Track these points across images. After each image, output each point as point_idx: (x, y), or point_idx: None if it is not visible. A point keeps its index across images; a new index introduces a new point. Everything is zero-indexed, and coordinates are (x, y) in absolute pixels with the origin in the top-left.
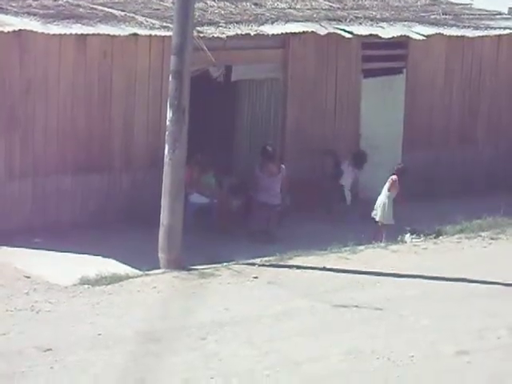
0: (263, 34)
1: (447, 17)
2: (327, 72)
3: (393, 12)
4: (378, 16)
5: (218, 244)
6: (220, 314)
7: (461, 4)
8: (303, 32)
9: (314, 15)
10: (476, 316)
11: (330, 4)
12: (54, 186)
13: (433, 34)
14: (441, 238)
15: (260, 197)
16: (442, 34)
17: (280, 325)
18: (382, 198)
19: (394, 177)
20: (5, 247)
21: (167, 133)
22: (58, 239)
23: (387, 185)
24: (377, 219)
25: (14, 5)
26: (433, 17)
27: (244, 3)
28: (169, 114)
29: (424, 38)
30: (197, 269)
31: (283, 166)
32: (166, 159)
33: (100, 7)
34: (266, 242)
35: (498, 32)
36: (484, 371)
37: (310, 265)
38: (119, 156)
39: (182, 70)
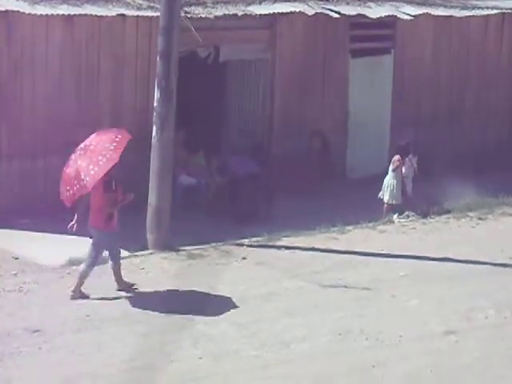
0: (251, 15)
1: None
2: (315, 52)
3: None
4: None
5: (206, 225)
6: (208, 294)
7: None
8: (291, 12)
9: None
10: (464, 296)
11: None
12: (41, 167)
13: (420, 14)
14: (429, 217)
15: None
16: (430, 14)
17: (268, 305)
18: (388, 179)
19: (397, 157)
20: None
21: (155, 114)
22: (45, 220)
23: (391, 165)
24: (385, 200)
25: None
26: None
27: None
28: (156, 95)
29: (412, 17)
30: (185, 250)
31: None
32: (154, 140)
33: None
34: (255, 222)
35: (485, 12)
36: (472, 351)
37: (298, 245)
38: None
39: (169, 51)
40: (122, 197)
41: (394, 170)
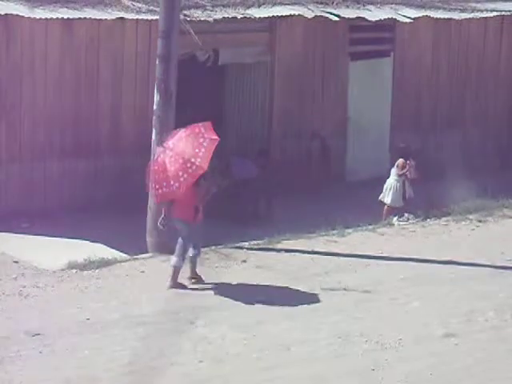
0: (250, 18)
1: None
2: (314, 55)
3: None
4: None
5: (206, 227)
6: (208, 297)
7: None
8: (290, 15)
9: None
10: (464, 298)
11: None
12: (41, 171)
13: (420, 17)
14: (428, 220)
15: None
16: (429, 17)
17: (269, 308)
18: (391, 181)
19: (401, 160)
20: None
21: (154, 117)
22: (45, 224)
23: (395, 168)
24: (386, 202)
25: None
26: None
27: None
28: (156, 98)
29: (411, 20)
30: None
31: None
32: (154, 143)
33: None
34: (255, 225)
35: (484, 14)
36: (472, 353)
37: (298, 248)
38: (106, 140)
39: (169, 54)
40: (207, 190)
41: (400, 175)
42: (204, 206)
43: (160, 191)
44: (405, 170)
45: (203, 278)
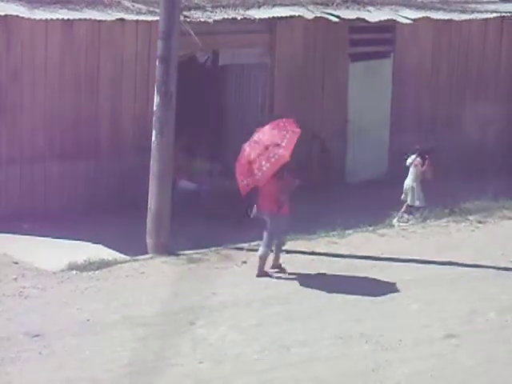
0: (250, 19)
1: (434, 0)
2: (314, 56)
3: None
4: (365, 0)
5: (207, 229)
6: (208, 298)
7: None
8: (290, 16)
9: None
10: (465, 299)
11: None
12: (41, 172)
13: (420, 18)
14: (428, 221)
15: None
16: (429, 18)
17: (268, 309)
18: (409, 182)
19: (419, 159)
20: None
21: (154, 118)
22: (46, 225)
23: (413, 168)
24: (408, 202)
25: None
26: (420, 0)
27: None
28: (156, 100)
29: (411, 21)
30: (185, 254)
31: None
32: (154, 144)
33: None
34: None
35: (485, 15)
36: (473, 354)
37: (298, 249)
38: (107, 141)
39: (169, 55)
40: (290, 183)
41: (417, 173)
42: (289, 200)
43: (244, 182)
44: (415, 170)
45: (286, 269)
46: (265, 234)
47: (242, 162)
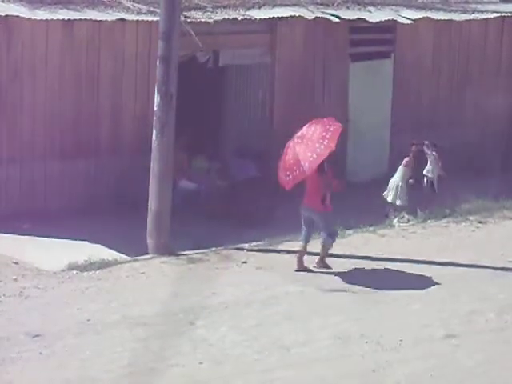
0: (251, 19)
1: (435, 0)
2: (315, 56)
3: None
4: (366, 0)
5: (207, 229)
6: (208, 299)
7: None
8: (291, 16)
9: None
10: (465, 300)
11: None
12: (41, 172)
13: (420, 18)
14: (428, 221)
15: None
16: (430, 18)
17: (269, 309)
18: (396, 180)
19: (408, 158)
20: None
21: (155, 118)
22: (46, 225)
23: (402, 167)
24: (389, 200)
25: None
26: (420, 1)
27: None
28: (156, 100)
29: (412, 22)
30: (185, 254)
31: None
32: (154, 144)
33: None
34: (255, 226)
35: (485, 16)
36: (473, 354)
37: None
38: (107, 141)
39: (169, 56)
40: (335, 183)
41: (403, 172)
42: (332, 196)
43: (291, 176)
44: (402, 168)
45: (330, 266)
46: (302, 229)
47: (287, 158)
